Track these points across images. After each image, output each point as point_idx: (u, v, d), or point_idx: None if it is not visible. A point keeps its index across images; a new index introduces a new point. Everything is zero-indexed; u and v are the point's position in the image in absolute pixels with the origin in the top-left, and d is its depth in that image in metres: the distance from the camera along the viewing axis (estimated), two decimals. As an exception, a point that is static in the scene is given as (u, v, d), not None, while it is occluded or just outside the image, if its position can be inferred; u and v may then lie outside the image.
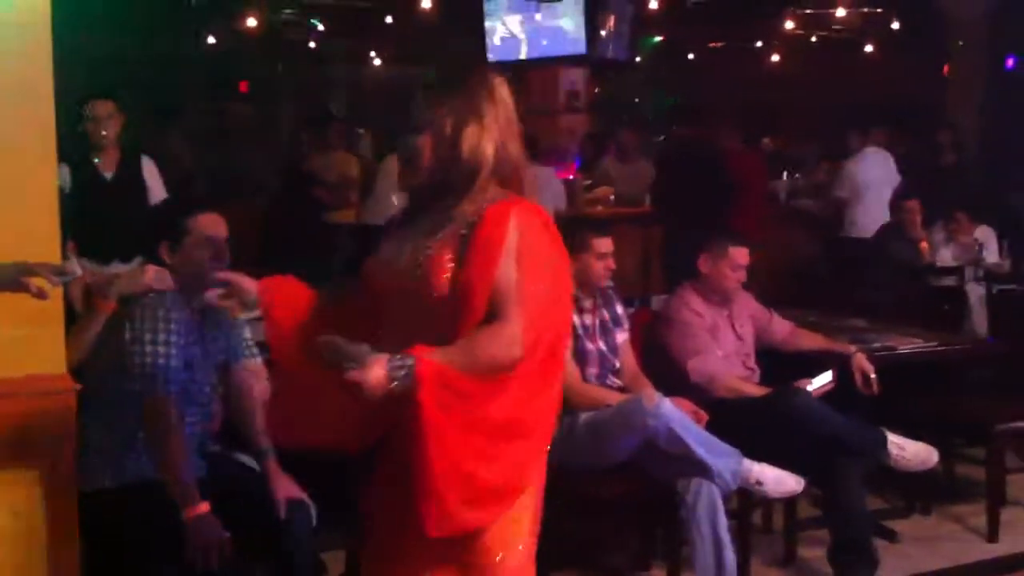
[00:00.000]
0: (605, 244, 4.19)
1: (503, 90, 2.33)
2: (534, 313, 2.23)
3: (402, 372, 2.10)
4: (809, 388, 4.30)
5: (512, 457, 2.27)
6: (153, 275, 3.24)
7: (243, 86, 12.67)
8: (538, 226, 2.29)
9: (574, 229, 4.29)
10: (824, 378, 4.39)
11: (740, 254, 4.57)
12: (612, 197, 8.85)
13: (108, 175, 5.23)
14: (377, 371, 2.10)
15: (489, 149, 2.28)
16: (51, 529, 3.05)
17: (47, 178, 3.05)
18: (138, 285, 3.24)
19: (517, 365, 2.21)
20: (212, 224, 3.32)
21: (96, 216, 4.92)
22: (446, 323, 2.23)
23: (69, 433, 3.05)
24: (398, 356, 2.13)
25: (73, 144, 5.04)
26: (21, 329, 2.95)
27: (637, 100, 14.98)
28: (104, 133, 5.17)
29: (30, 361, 2.99)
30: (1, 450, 2.95)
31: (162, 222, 3.50)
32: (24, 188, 2.98)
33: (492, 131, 2.28)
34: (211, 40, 10.79)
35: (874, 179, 7.94)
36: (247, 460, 3.49)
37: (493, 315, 2.22)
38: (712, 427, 3.96)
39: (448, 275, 2.24)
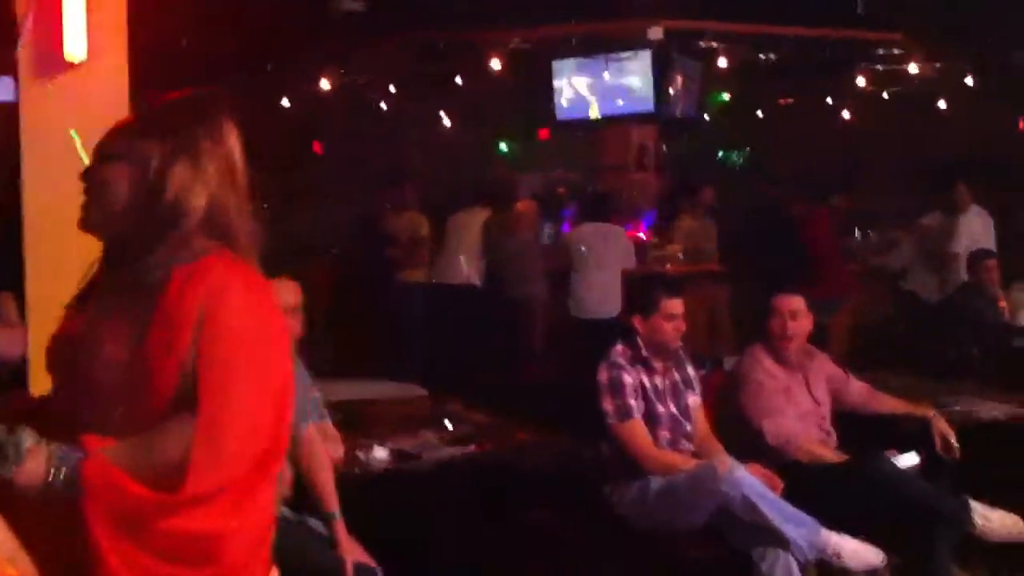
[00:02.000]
0: (675, 305, 4.14)
1: (231, 136, 1.96)
2: (237, 407, 1.80)
3: (63, 470, 1.75)
4: (899, 464, 4.18)
5: None
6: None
7: (316, 147, 12.88)
8: (239, 289, 1.85)
9: (644, 289, 4.26)
10: (910, 459, 4.27)
11: (785, 303, 4.47)
12: (681, 255, 8.79)
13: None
14: (32, 466, 1.75)
15: (201, 198, 1.89)
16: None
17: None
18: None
19: (213, 475, 1.77)
20: (278, 291, 3.26)
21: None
22: (124, 407, 1.83)
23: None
24: (62, 448, 1.77)
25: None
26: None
27: (718, 156, 14.99)
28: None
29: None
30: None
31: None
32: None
33: (208, 178, 1.90)
34: (286, 103, 11.01)
35: (978, 236, 7.74)
36: (316, 524, 3.47)
37: (182, 404, 1.80)
38: (787, 494, 3.86)
39: (123, 349, 1.83)
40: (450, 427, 4.31)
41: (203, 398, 1.78)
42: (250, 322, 1.84)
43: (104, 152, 1.97)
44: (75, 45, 2.89)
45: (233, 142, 1.96)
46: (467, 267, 8.19)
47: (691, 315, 4.33)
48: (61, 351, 1.96)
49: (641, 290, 4.29)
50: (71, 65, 2.92)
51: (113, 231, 1.96)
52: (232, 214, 1.93)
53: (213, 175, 1.90)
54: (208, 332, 1.80)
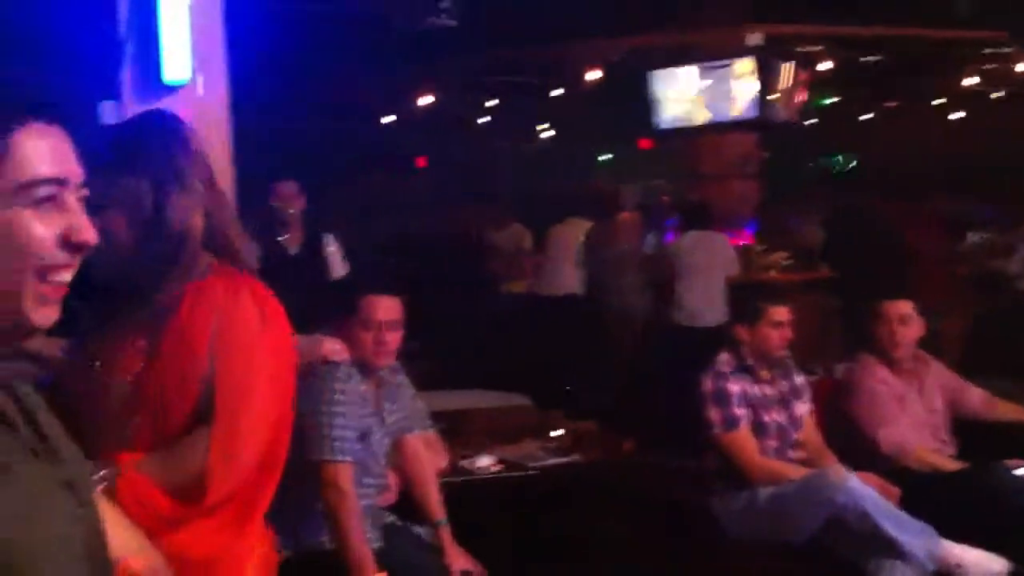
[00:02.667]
0: (781, 313, 4.05)
1: (199, 148, 1.96)
2: (248, 418, 1.87)
3: (100, 485, 1.76)
4: (1018, 473, 4.02)
5: None
6: (328, 347, 3.28)
7: (420, 161, 13.03)
8: (248, 305, 1.89)
9: (749, 297, 4.18)
10: None
11: (893, 308, 4.33)
12: (785, 262, 8.65)
13: (292, 251, 5.42)
14: None
15: (198, 217, 1.90)
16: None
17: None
18: (313, 356, 3.29)
19: (228, 485, 1.83)
20: (376, 306, 3.32)
21: (281, 290, 5.08)
22: (143, 421, 1.88)
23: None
24: (94, 464, 1.75)
25: (261, 222, 5.28)
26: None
27: (822, 161, 14.76)
28: (290, 211, 5.37)
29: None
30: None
31: (335, 299, 3.56)
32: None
33: (199, 195, 1.91)
34: (387, 119, 11.19)
35: None
36: (422, 532, 3.49)
37: (201, 417, 1.86)
38: (903, 503, 3.74)
39: (137, 366, 1.88)
40: (553, 436, 4.29)
41: (219, 410, 1.85)
42: (259, 336, 1.89)
43: (91, 203, 1.92)
44: (177, 68, 2.95)
45: (203, 153, 1.97)
46: (570, 278, 8.19)
47: (800, 323, 4.24)
48: (79, 367, 1.98)
49: (746, 298, 4.21)
50: (173, 88, 2.98)
51: (126, 272, 1.93)
52: (227, 225, 1.96)
53: (201, 191, 1.92)
54: (222, 348, 1.86)
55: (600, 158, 16.04)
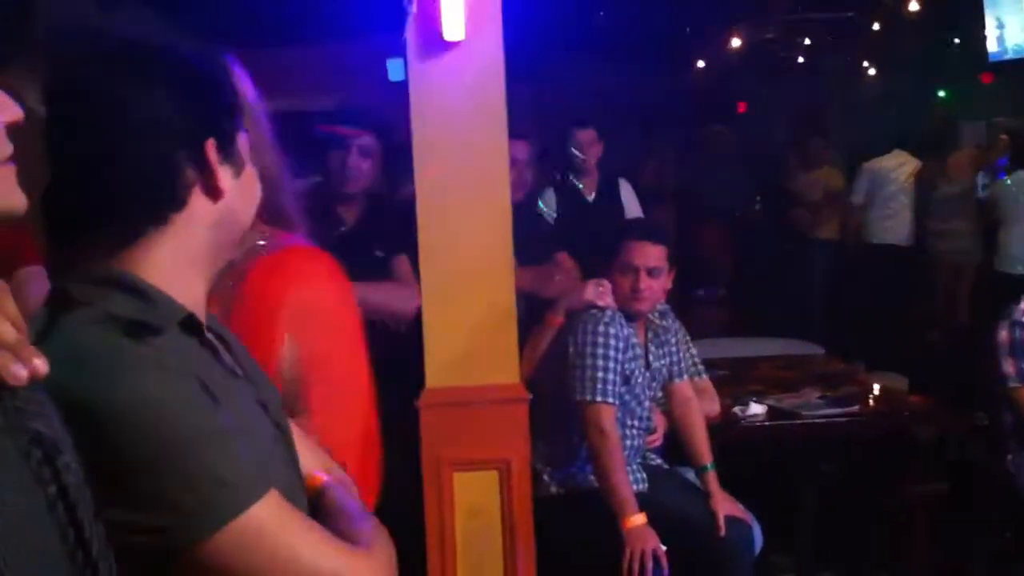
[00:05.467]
0: None
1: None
2: (339, 406, 1.70)
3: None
4: None
5: None
6: (591, 292, 3.38)
7: (742, 107, 12.77)
8: (322, 279, 1.72)
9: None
10: None
11: None
12: None
13: (589, 197, 5.55)
14: None
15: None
16: (507, 529, 3.28)
17: (501, 199, 3.23)
18: (579, 301, 3.40)
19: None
20: (633, 252, 3.37)
21: (578, 235, 5.25)
22: None
23: (523, 439, 3.24)
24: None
25: (559, 169, 5.46)
26: (479, 342, 3.21)
27: None
28: (584, 158, 5.50)
29: (487, 371, 3.24)
30: (462, 453, 3.22)
31: (607, 244, 3.63)
32: (481, 208, 3.21)
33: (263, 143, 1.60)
34: (699, 64, 11.06)
35: None
36: (690, 475, 3.54)
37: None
38: None
39: None
40: (839, 387, 4.17)
41: (311, 397, 1.67)
42: (339, 307, 1.75)
43: None
44: (453, 26, 3.09)
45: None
46: (892, 222, 7.86)
47: None
48: None
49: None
50: (450, 45, 3.12)
51: None
52: (280, 191, 1.69)
53: (259, 143, 1.58)
54: (307, 320, 1.68)
55: (939, 94, 15.04)
